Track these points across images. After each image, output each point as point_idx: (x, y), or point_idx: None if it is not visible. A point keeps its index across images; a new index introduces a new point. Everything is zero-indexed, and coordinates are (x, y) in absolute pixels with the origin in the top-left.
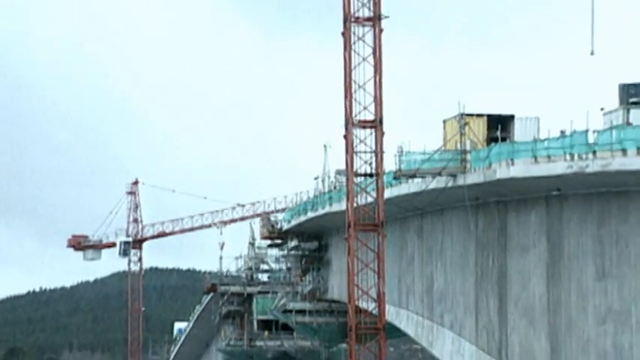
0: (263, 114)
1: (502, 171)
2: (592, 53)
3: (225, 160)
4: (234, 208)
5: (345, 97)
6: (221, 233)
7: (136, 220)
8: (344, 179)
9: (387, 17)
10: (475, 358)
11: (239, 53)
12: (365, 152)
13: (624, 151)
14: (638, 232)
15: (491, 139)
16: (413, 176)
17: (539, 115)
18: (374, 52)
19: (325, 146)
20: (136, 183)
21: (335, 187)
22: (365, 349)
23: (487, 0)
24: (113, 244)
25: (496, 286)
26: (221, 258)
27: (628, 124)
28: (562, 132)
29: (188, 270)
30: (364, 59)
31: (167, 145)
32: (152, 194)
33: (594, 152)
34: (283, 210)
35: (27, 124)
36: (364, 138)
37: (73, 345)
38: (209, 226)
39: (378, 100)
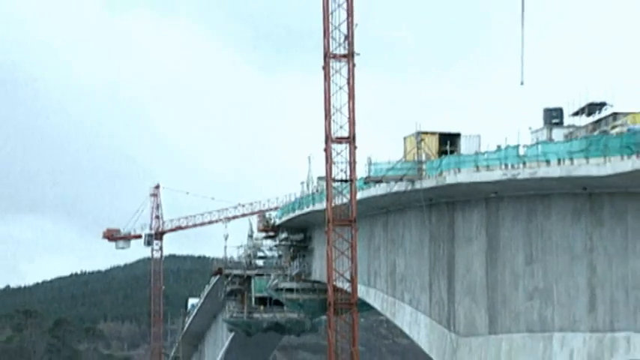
0: (260, 132)
1: (451, 177)
2: (522, 83)
3: (229, 169)
4: (236, 207)
5: (325, 118)
6: (226, 227)
7: (157, 217)
8: (324, 184)
9: (358, 54)
10: (429, 328)
11: (242, 83)
12: (341, 162)
13: (548, 162)
14: (558, 227)
15: (442, 152)
16: (379, 182)
17: (480, 134)
18: (348, 82)
19: (309, 157)
20: (157, 187)
21: (317, 190)
22: (341, 319)
23: (438, 39)
24: (139, 236)
25: (445, 269)
26: (225, 247)
27: (550, 140)
28: (498, 146)
29: (199, 257)
30: (340, 88)
31: (183, 156)
32: (170, 196)
33: (524, 163)
34: (275, 209)
35: (71, 140)
36: (340, 151)
37: (107, 317)
38: (216, 221)
39: (351, 121)
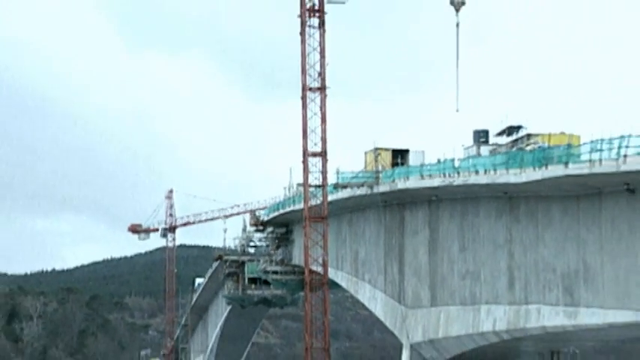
0: (252, 147)
1: (401, 184)
2: (457, 110)
3: (227, 176)
4: (232, 207)
5: (303, 137)
6: (224, 223)
7: (171, 215)
8: (302, 189)
9: (329, 87)
10: (384, 302)
11: (238, 109)
12: (315, 172)
13: (477, 172)
14: (484, 223)
15: (394, 164)
16: (345, 187)
17: (424, 150)
18: (321, 109)
19: (290, 168)
20: (171, 191)
21: (296, 194)
22: (315, 295)
23: (394, 74)
24: (157, 230)
25: (397, 256)
26: (224, 238)
27: (478, 155)
28: (438, 160)
29: (204, 246)
30: (315, 114)
31: (191, 166)
32: (181, 198)
33: (458, 172)
34: (264, 208)
35: (103, 153)
36: (315, 163)
37: (131, 293)
38: (217, 218)
39: (323, 140)
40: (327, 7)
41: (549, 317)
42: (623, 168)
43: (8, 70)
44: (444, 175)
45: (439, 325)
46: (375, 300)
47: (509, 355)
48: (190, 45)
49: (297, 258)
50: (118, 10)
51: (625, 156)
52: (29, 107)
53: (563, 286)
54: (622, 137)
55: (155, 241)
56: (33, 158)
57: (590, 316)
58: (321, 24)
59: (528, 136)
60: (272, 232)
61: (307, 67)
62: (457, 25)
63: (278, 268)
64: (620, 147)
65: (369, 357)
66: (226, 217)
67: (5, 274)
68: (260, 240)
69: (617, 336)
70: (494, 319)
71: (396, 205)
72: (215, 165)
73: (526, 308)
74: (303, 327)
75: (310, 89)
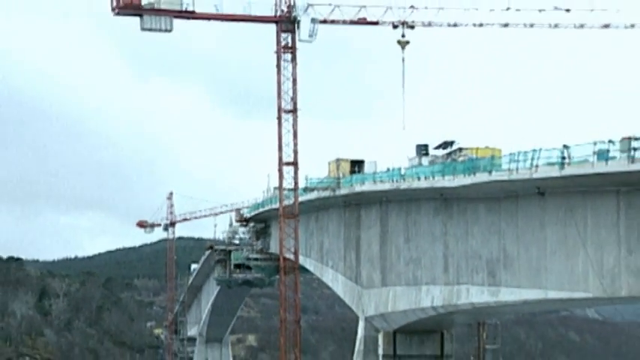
0: (237, 158)
1: (358, 188)
2: (403, 128)
3: (217, 181)
4: (221, 206)
5: (278, 150)
6: (215, 219)
7: (171, 212)
8: (277, 192)
9: (300, 109)
10: (343, 283)
11: (225, 126)
12: (289, 178)
13: (419, 178)
14: (425, 219)
15: (352, 172)
16: (313, 190)
17: (376, 160)
18: (293, 127)
19: (268, 175)
20: (171, 193)
21: (273, 196)
22: (288, 278)
23: (353, 95)
24: (160, 225)
25: (354, 246)
26: (215, 232)
27: (420, 164)
28: (388, 168)
29: (198, 238)
30: (288, 131)
31: (189, 173)
32: (180, 199)
33: (404, 178)
34: (247, 207)
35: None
36: (288, 171)
37: (139, 276)
38: (209, 215)
39: (295, 152)
40: (298, 45)
41: (476, 295)
42: (535, 175)
43: (37, 92)
44: (393, 181)
45: (388, 302)
46: (336, 282)
47: (444, 326)
48: (187, 74)
49: (274, 247)
50: (127, 45)
51: (537, 166)
52: (55, 125)
53: (487, 270)
54: (534, 150)
55: (158, 234)
56: (58, 167)
57: (509, 294)
58: (293, 58)
59: (460, 149)
60: (253, 226)
61: (282, 93)
62: (403, 60)
63: (258, 256)
64: (532, 159)
65: (332, 328)
66: (216, 214)
67: (37, 261)
68: (243, 233)
69: (530, 310)
70: (432, 297)
71: (354, 205)
72: (207, 172)
73: (457, 288)
74: (278, 303)
75: (284, 111)
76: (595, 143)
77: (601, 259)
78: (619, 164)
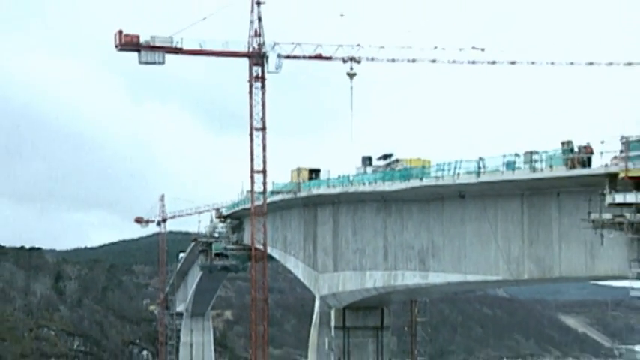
0: (215, 166)
1: (314, 191)
2: (351, 142)
3: (201, 186)
4: (204, 206)
5: (250, 160)
6: (199, 216)
7: (163, 211)
8: (249, 194)
9: (267, 128)
10: (303, 268)
11: (204, 140)
12: (258, 183)
13: (364, 184)
14: (369, 217)
15: (310, 178)
16: (278, 193)
17: (330, 169)
18: (262, 142)
19: (242, 181)
20: (163, 196)
21: (246, 198)
22: (258, 264)
23: (309, 114)
24: (154, 221)
25: (312, 239)
26: (199, 227)
27: (365, 173)
28: (339, 176)
29: (185, 232)
30: (258, 145)
31: (177, 178)
32: (170, 200)
33: (352, 184)
34: (224, 207)
35: (117, 169)
36: (258, 178)
37: (137, 262)
38: (194, 213)
39: (264, 162)
40: (266, 75)
41: (410, 278)
42: (457, 182)
43: (54, 115)
44: (343, 186)
45: (339, 284)
46: (297, 267)
47: (383, 303)
48: (176, 98)
49: (246, 239)
50: (127, 75)
51: (458, 174)
52: (68, 141)
53: (418, 258)
54: (456, 162)
55: (152, 229)
56: (71, 174)
57: (436, 278)
58: (263, 86)
59: (397, 160)
60: (230, 222)
61: (253, 114)
62: (351, 88)
63: (233, 247)
64: (455, 168)
65: (294, 305)
66: (200, 212)
67: (54, 250)
68: (222, 228)
69: (453, 290)
70: (374, 280)
71: (311, 205)
72: (192, 177)
73: (395, 272)
74: (250, 285)
75: (255, 129)
76: (504, 156)
77: (508, 249)
78: (523, 173)
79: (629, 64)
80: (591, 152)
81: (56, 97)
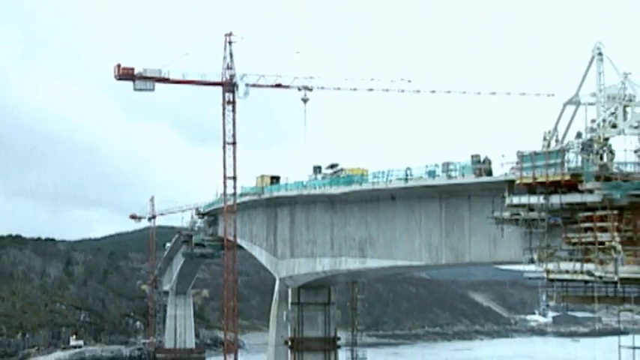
0: (196, 173)
1: (275, 194)
2: (305, 153)
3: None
4: (186, 205)
5: (223, 168)
6: (182, 214)
7: (153, 209)
8: (223, 196)
9: (238, 142)
10: (266, 255)
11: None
12: (230, 187)
13: (315, 187)
14: (319, 214)
15: (271, 183)
16: (246, 195)
17: (287, 175)
18: (233, 154)
19: (216, 185)
20: (153, 197)
21: (220, 199)
22: (229, 252)
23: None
24: (145, 217)
25: (273, 232)
26: (182, 222)
27: (316, 179)
28: (295, 181)
29: (171, 226)
30: (229, 156)
31: (164, 183)
32: (159, 200)
33: (305, 187)
34: (202, 206)
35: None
36: (230, 182)
37: (132, 251)
38: (178, 212)
39: (234, 170)
40: (237, 100)
41: (351, 263)
42: (389, 186)
43: (63, 131)
44: (298, 189)
45: (294, 268)
46: (261, 255)
47: (330, 283)
48: (164, 118)
49: (220, 232)
50: (123, 100)
51: (390, 180)
52: (74, 152)
53: (358, 247)
54: (389, 170)
55: (144, 223)
56: (78, 179)
57: (372, 263)
58: (234, 109)
59: (341, 169)
60: (207, 218)
61: (226, 131)
62: (305, 110)
63: (210, 238)
64: (388, 175)
65: (258, 285)
66: (183, 211)
67: (65, 240)
68: (200, 223)
69: (386, 273)
70: (323, 265)
71: (273, 205)
72: (177, 182)
73: (339, 259)
74: (223, 269)
75: (227, 143)
76: (427, 166)
77: (429, 240)
78: (441, 180)
79: (523, 94)
80: (490, 162)
81: (66, 117)
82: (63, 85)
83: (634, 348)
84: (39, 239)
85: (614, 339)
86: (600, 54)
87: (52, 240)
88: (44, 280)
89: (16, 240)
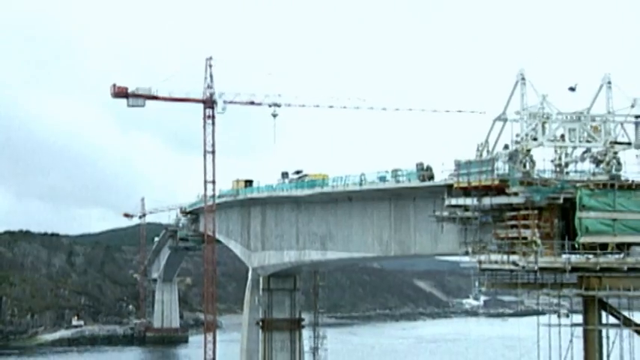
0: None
1: (249, 195)
2: (274, 161)
3: (169, 190)
4: (172, 205)
5: (204, 173)
6: (168, 212)
7: (143, 208)
8: (203, 197)
9: (217, 151)
10: (240, 248)
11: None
12: (209, 190)
13: (283, 190)
14: (286, 213)
15: (245, 186)
16: (224, 196)
17: (259, 180)
18: (212, 161)
19: (199, 188)
20: (143, 198)
21: (201, 199)
22: (209, 245)
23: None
24: (137, 215)
25: (247, 228)
26: (169, 219)
27: (284, 182)
28: (266, 185)
29: (159, 223)
30: (210, 163)
31: (152, 186)
32: (148, 201)
33: (274, 190)
34: (186, 206)
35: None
36: (210, 185)
37: (125, 244)
38: (164, 210)
39: (213, 175)
40: (216, 115)
41: (314, 255)
42: (347, 189)
43: (65, 142)
44: (269, 192)
45: (265, 259)
46: (236, 247)
47: (296, 272)
48: (153, 129)
49: (201, 228)
50: (118, 114)
51: (347, 184)
52: (75, 159)
53: (320, 241)
54: (346, 176)
55: (136, 221)
56: (79, 182)
57: (332, 255)
58: (213, 122)
59: (305, 175)
60: (190, 217)
61: (206, 141)
62: (274, 125)
63: (192, 233)
64: (345, 180)
65: (234, 273)
66: (169, 210)
67: (68, 235)
68: (184, 220)
69: (343, 263)
70: (289, 256)
71: (247, 205)
72: (164, 185)
73: (304, 251)
74: (203, 260)
75: (208, 152)
76: (378, 172)
77: (380, 235)
78: (390, 184)
79: (460, 111)
80: (431, 169)
81: (69, 129)
82: (66, 101)
83: (549, 325)
84: (45, 234)
85: (534, 318)
86: (523, 79)
87: (57, 235)
88: (50, 270)
89: (26, 235)
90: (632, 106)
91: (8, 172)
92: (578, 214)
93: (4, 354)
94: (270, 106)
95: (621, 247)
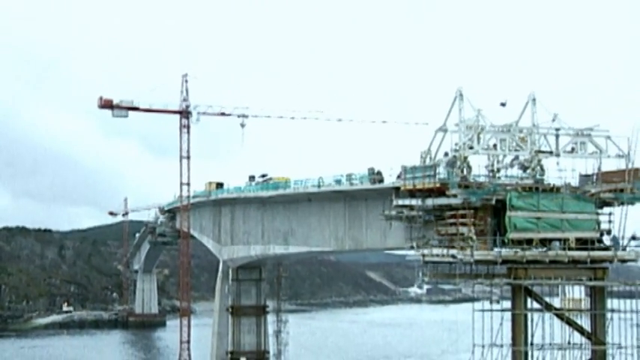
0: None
1: (220, 196)
2: (242, 165)
3: (150, 191)
4: (151, 205)
5: (180, 176)
6: (148, 211)
7: (126, 207)
8: (179, 197)
9: (192, 157)
10: (212, 242)
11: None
12: (185, 191)
13: (250, 191)
14: (253, 212)
15: (217, 188)
16: (198, 197)
17: (229, 182)
18: (187, 165)
19: (175, 189)
20: (126, 198)
21: (178, 199)
22: (184, 240)
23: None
24: (120, 214)
25: (218, 225)
26: (148, 217)
27: (251, 184)
28: (235, 187)
29: (140, 221)
30: (185, 167)
31: (135, 188)
32: (131, 201)
33: (243, 191)
34: (164, 205)
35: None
36: (185, 187)
37: (110, 239)
38: (145, 209)
39: (188, 178)
40: (191, 124)
41: (277, 249)
42: (306, 191)
43: (58, 147)
44: (238, 193)
45: (234, 252)
46: (209, 242)
47: (261, 264)
48: (135, 137)
49: (178, 225)
50: (103, 123)
51: (307, 186)
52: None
53: (283, 237)
54: (306, 179)
55: (119, 218)
56: (70, 183)
57: (294, 249)
58: (188, 131)
59: (270, 178)
60: (168, 215)
61: (182, 147)
62: (243, 134)
63: (170, 230)
64: (305, 183)
65: (206, 265)
66: (149, 209)
67: (59, 231)
68: (163, 218)
69: (304, 256)
70: (255, 250)
71: (218, 204)
72: (143, 187)
73: (268, 246)
74: (179, 253)
75: (183, 157)
76: (335, 176)
77: (336, 232)
78: (345, 186)
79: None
80: (381, 173)
81: (59, 136)
82: (57, 111)
83: (483, 310)
84: (39, 230)
85: (470, 304)
86: (461, 95)
87: (49, 230)
88: (43, 261)
89: (22, 230)
90: (553, 120)
91: (5, 174)
92: (508, 213)
93: (3, 336)
94: (238, 116)
95: (544, 242)
